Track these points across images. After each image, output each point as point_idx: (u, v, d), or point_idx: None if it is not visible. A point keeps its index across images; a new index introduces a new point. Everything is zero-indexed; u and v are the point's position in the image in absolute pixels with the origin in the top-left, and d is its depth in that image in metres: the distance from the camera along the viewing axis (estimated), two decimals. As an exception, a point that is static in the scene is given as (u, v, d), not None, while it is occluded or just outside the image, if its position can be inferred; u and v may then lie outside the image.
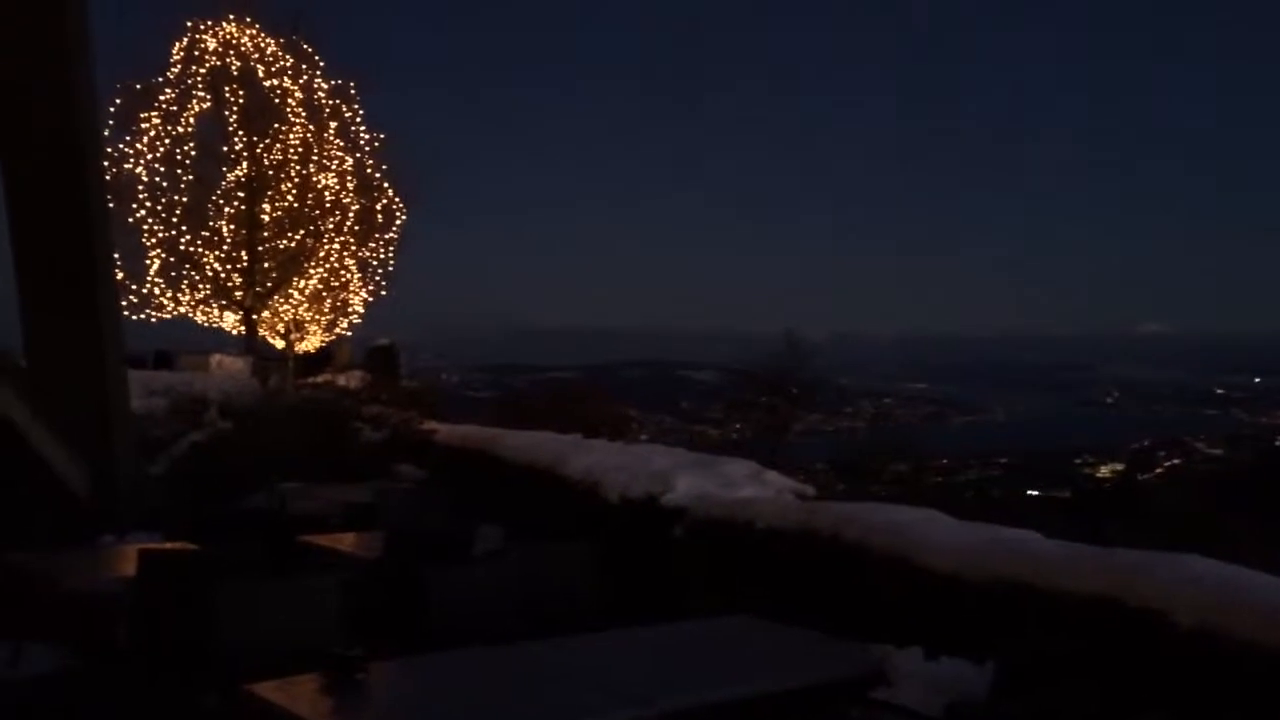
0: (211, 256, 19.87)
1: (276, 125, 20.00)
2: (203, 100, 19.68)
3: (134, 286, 18.95)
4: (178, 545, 6.51)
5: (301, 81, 20.21)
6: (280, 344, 21.30)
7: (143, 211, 19.14)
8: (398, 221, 21.56)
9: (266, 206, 20.09)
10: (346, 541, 6.86)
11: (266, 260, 20.31)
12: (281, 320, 21.12)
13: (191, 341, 20.20)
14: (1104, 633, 4.30)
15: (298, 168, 20.09)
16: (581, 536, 6.06)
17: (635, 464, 8.04)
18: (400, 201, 21.44)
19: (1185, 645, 3.98)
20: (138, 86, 19.14)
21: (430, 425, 12.90)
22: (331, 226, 20.46)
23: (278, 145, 20.01)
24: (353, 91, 20.72)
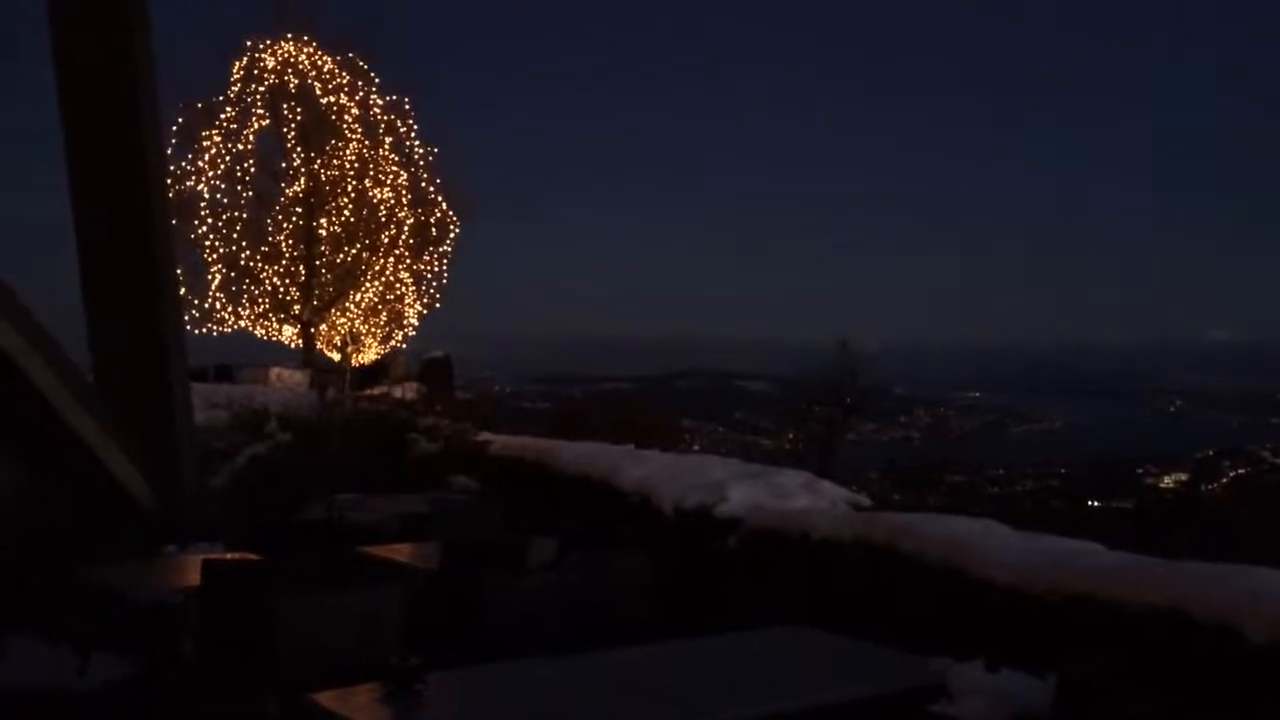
0: (270, 271, 20.24)
1: (333, 141, 20.35)
2: (262, 118, 20.08)
3: (196, 301, 19.37)
4: (240, 556, 6.62)
5: (358, 98, 20.55)
6: (337, 357, 21.62)
7: (204, 228, 19.56)
8: (452, 234, 21.82)
9: (323, 221, 20.43)
10: (402, 552, 6.93)
11: (324, 274, 20.64)
12: (338, 333, 21.44)
13: (251, 355, 20.59)
14: (1170, 647, 4.21)
15: (354, 183, 20.41)
16: (635, 547, 6.07)
17: (689, 475, 8.03)
18: (454, 214, 21.70)
19: (1256, 661, 3.88)
20: (199, 105, 19.59)
21: (484, 436, 12.98)
22: (387, 240, 20.75)
23: (334, 161, 20.34)
24: (407, 107, 21.03)
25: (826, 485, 7.65)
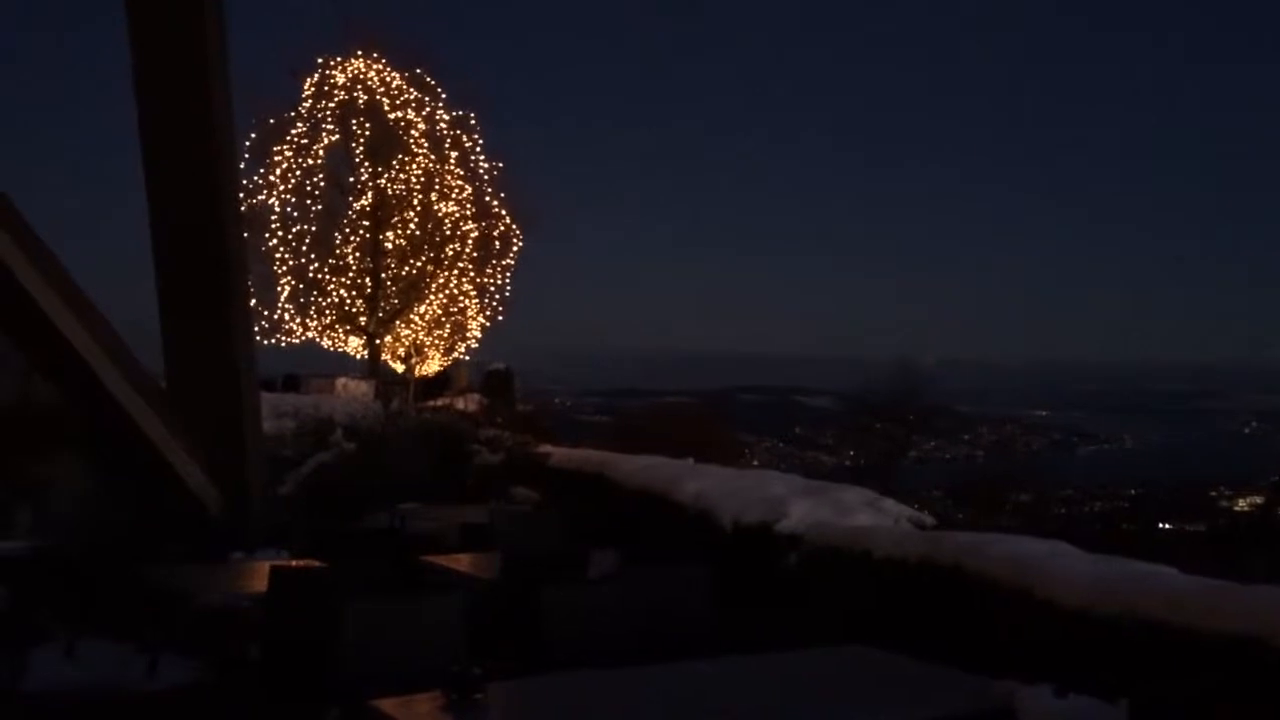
0: (337, 283, 20.57)
1: (400, 156, 20.65)
2: (332, 133, 20.46)
3: (265, 312, 19.74)
4: (305, 562, 6.72)
5: (424, 113, 20.84)
6: (401, 368, 21.90)
7: (274, 240, 19.96)
8: (515, 247, 22.01)
9: (390, 235, 20.73)
10: (463, 562, 6.98)
11: (389, 287, 20.93)
12: (402, 345, 21.72)
13: (318, 365, 20.94)
14: (1246, 675, 4.08)
15: (420, 197, 20.69)
16: (695, 562, 6.05)
17: (749, 490, 7.99)
18: (518, 228, 21.89)
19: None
20: (271, 121, 20.02)
21: (544, 448, 13.06)
22: (451, 253, 20.98)
23: (401, 175, 20.64)
24: (472, 121, 21.29)
25: (889, 503, 7.57)
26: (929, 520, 7.45)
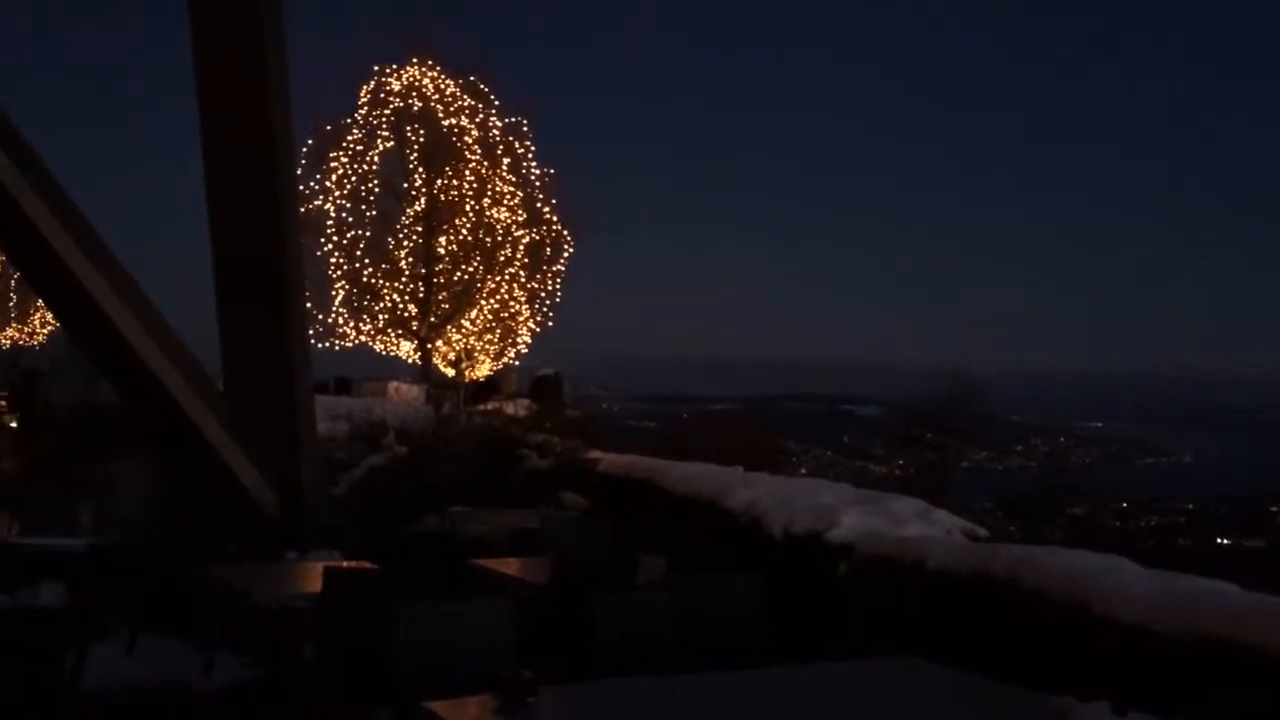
0: (390, 288, 20.81)
1: (453, 162, 20.85)
2: (386, 140, 20.72)
3: (320, 316, 20.04)
4: (358, 564, 6.80)
5: (477, 120, 21.04)
6: (451, 372, 22.09)
7: (329, 245, 20.25)
8: (566, 254, 22.12)
9: (442, 240, 20.94)
10: (513, 566, 7.02)
11: (441, 292, 21.13)
12: (453, 349, 21.91)
13: (370, 369, 21.20)
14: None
15: (472, 203, 20.87)
16: (743, 569, 6.04)
17: (799, 498, 7.94)
18: (568, 234, 22.00)
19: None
20: (328, 128, 20.32)
21: (593, 454, 13.09)
22: (502, 259, 21.14)
23: (454, 181, 20.84)
24: (525, 128, 21.45)
25: (942, 514, 7.48)
26: (982, 532, 7.35)
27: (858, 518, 7.20)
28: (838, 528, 7.12)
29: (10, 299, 35.55)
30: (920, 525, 7.18)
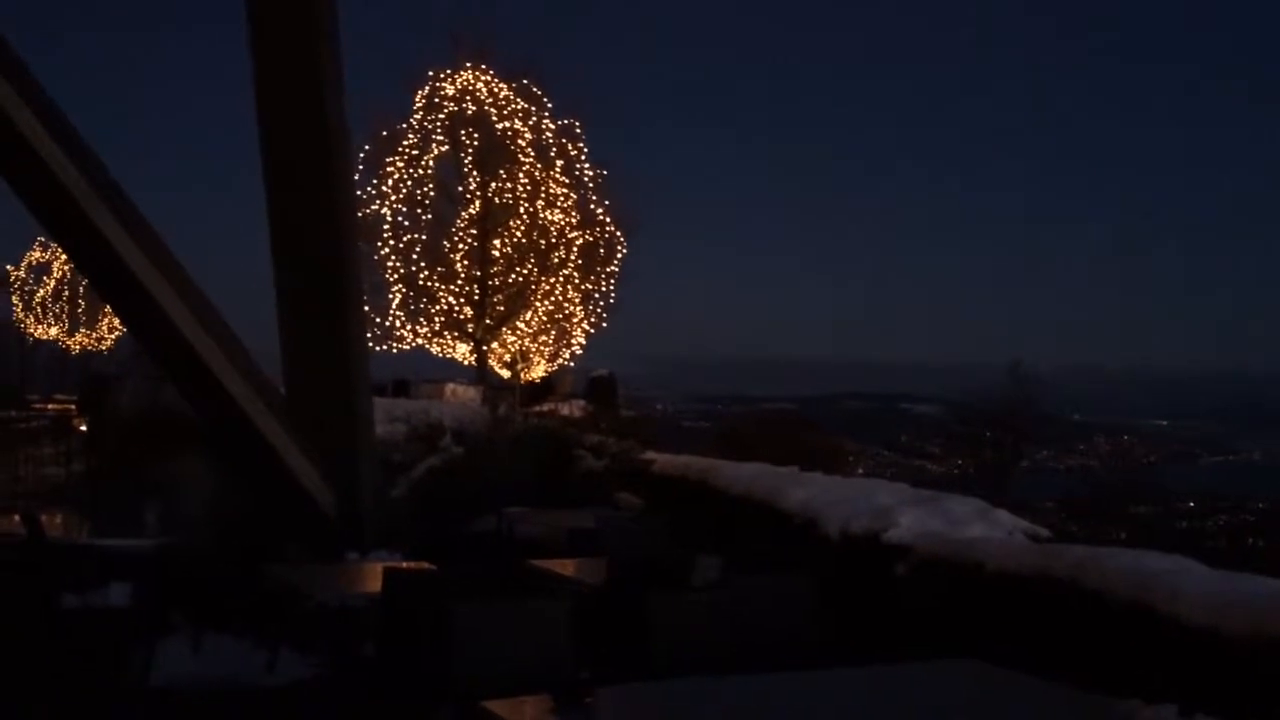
0: (446, 291, 21.00)
1: (507, 165, 20.99)
2: (441, 144, 20.91)
3: (377, 319, 20.25)
4: (417, 564, 6.87)
5: (531, 123, 21.16)
6: (506, 374, 22.23)
7: (386, 249, 20.48)
8: (619, 255, 22.17)
9: (497, 243, 21.08)
10: (569, 567, 7.05)
11: (496, 294, 21.29)
12: (508, 351, 22.05)
13: (427, 371, 21.40)
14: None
15: (526, 205, 21.00)
16: (799, 570, 6.01)
17: (856, 498, 7.89)
18: (621, 235, 22.05)
19: None
20: (384, 133, 20.57)
21: (648, 455, 13.11)
22: (556, 261, 21.24)
23: (508, 184, 20.98)
24: (578, 130, 21.54)
25: (1002, 514, 7.38)
26: (1044, 532, 7.24)
27: (915, 518, 7.13)
28: (895, 528, 7.06)
29: (79, 306, 36.52)
30: (980, 526, 7.09)
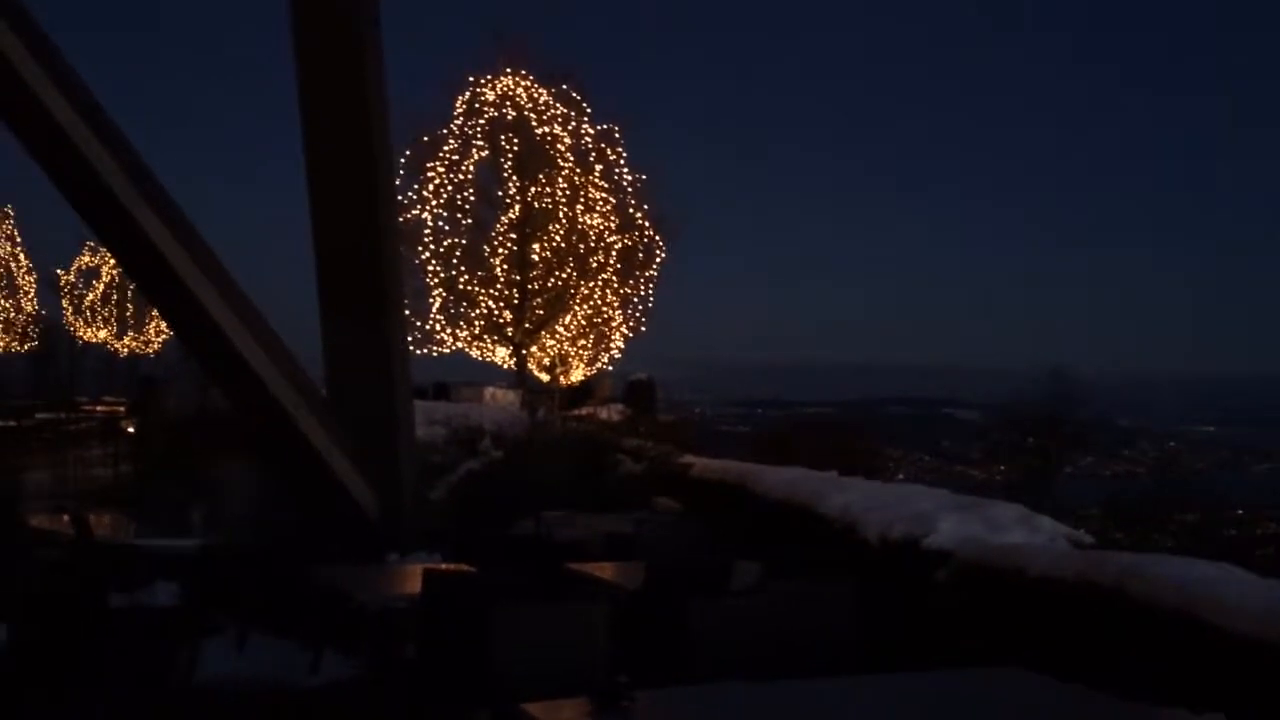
0: (486, 295, 21.14)
1: (546, 170, 21.10)
2: (481, 149, 21.06)
3: (418, 323, 20.45)
4: (457, 567, 6.92)
5: (570, 128, 21.24)
6: (545, 377, 22.33)
7: (427, 254, 20.67)
8: (658, 259, 22.19)
9: (536, 247, 21.20)
10: (608, 570, 7.05)
11: (535, 298, 21.39)
12: (547, 355, 22.15)
13: (467, 374, 21.55)
14: None
15: (565, 210, 21.09)
16: (838, 575, 5.97)
17: (895, 504, 7.83)
18: (660, 239, 22.07)
19: None
20: (425, 139, 20.75)
21: (686, 459, 13.10)
22: (595, 265, 21.30)
23: (547, 189, 21.08)
24: (616, 135, 21.60)
25: (1044, 520, 7.30)
26: (1087, 539, 7.15)
27: (956, 524, 7.07)
28: (935, 534, 7.00)
29: (127, 309, 37.19)
30: (1022, 532, 7.01)
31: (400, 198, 19.60)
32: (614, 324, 22.21)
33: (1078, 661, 4.97)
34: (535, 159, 21.13)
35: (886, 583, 6.93)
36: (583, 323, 21.84)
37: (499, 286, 21.20)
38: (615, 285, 21.75)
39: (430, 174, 20.68)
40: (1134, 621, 5.15)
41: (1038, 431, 23.67)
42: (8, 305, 35.40)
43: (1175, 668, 4.85)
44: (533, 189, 21.11)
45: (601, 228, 21.29)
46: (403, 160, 20.13)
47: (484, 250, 21.23)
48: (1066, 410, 23.48)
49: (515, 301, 21.27)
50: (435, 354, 21.11)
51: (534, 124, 21.07)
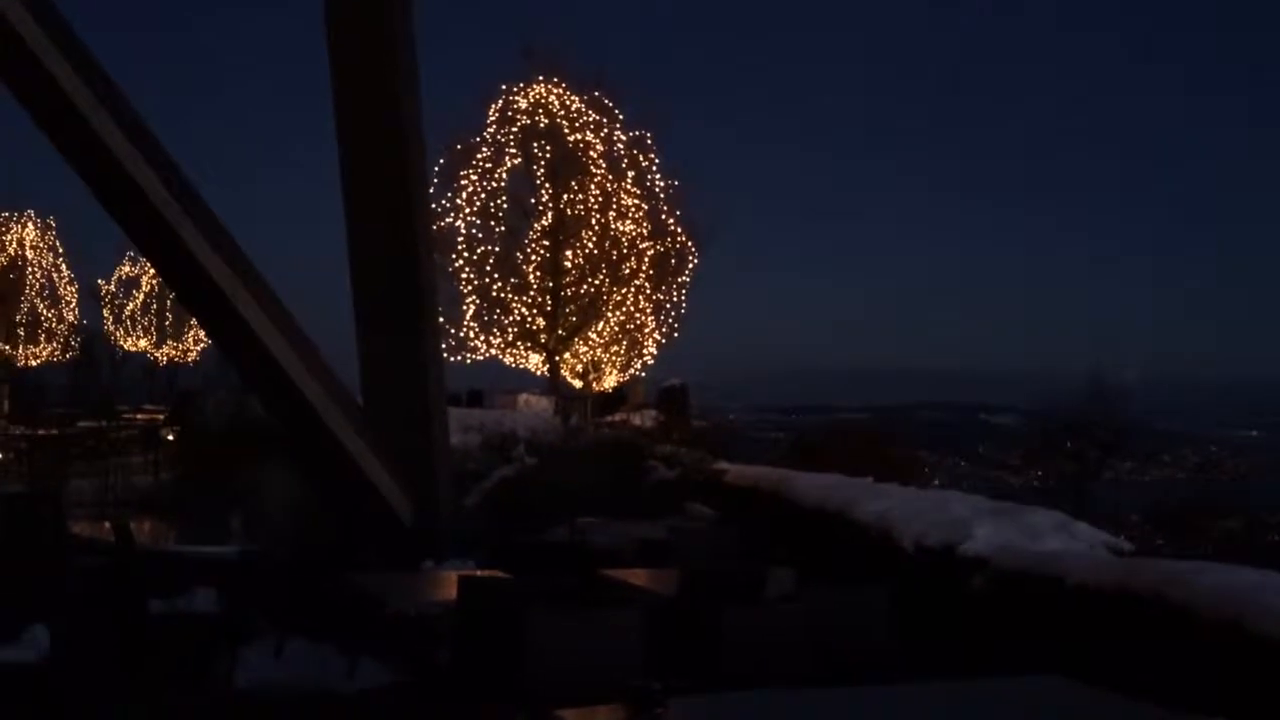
0: (519, 302, 21.22)
1: (579, 177, 21.16)
2: (514, 157, 21.16)
3: (452, 330, 20.55)
4: (491, 573, 6.95)
5: (602, 134, 21.31)
6: (578, 384, 22.37)
7: (460, 261, 20.78)
8: (690, 264, 22.19)
9: (569, 254, 21.26)
10: (642, 577, 7.05)
11: (568, 305, 21.45)
12: (581, 361, 22.19)
13: (500, 381, 21.63)
14: None
15: (598, 216, 21.14)
16: (873, 582, 5.94)
17: (931, 510, 7.78)
18: (693, 245, 22.06)
19: None
20: (459, 147, 20.89)
21: (720, 465, 13.07)
22: (628, 271, 21.33)
23: (580, 196, 21.15)
24: (649, 141, 21.64)
25: (1083, 527, 7.23)
26: (1126, 546, 7.07)
27: (992, 530, 7.01)
28: (972, 540, 6.95)
29: (166, 318, 37.71)
30: (1059, 539, 6.95)
31: (434, 206, 19.72)
32: (647, 330, 22.22)
33: (1118, 669, 4.91)
34: (568, 166, 21.20)
35: (922, 589, 6.88)
36: (615, 329, 21.86)
37: (532, 293, 21.27)
38: (648, 291, 21.76)
39: (464, 182, 20.81)
40: (1175, 629, 5.09)
41: (1076, 437, 23.42)
42: (50, 315, 35.96)
43: (1216, 676, 4.78)
44: (565, 196, 21.18)
45: (634, 234, 21.32)
46: (436, 168, 20.27)
47: (517, 257, 21.31)
48: (1105, 415, 23.23)
49: (548, 308, 21.34)
50: (469, 361, 21.22)
51: (566, 131, 21.14)
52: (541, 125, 21.15)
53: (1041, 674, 4.51)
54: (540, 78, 21.19)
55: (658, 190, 21.73)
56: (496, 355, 21.54)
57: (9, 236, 35.14)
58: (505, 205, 21.15)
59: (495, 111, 21.16)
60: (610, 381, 22.69)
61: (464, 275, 20.83)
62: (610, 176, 21.26)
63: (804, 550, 8.41)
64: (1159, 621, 5.18)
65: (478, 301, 21.06)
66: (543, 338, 21.46)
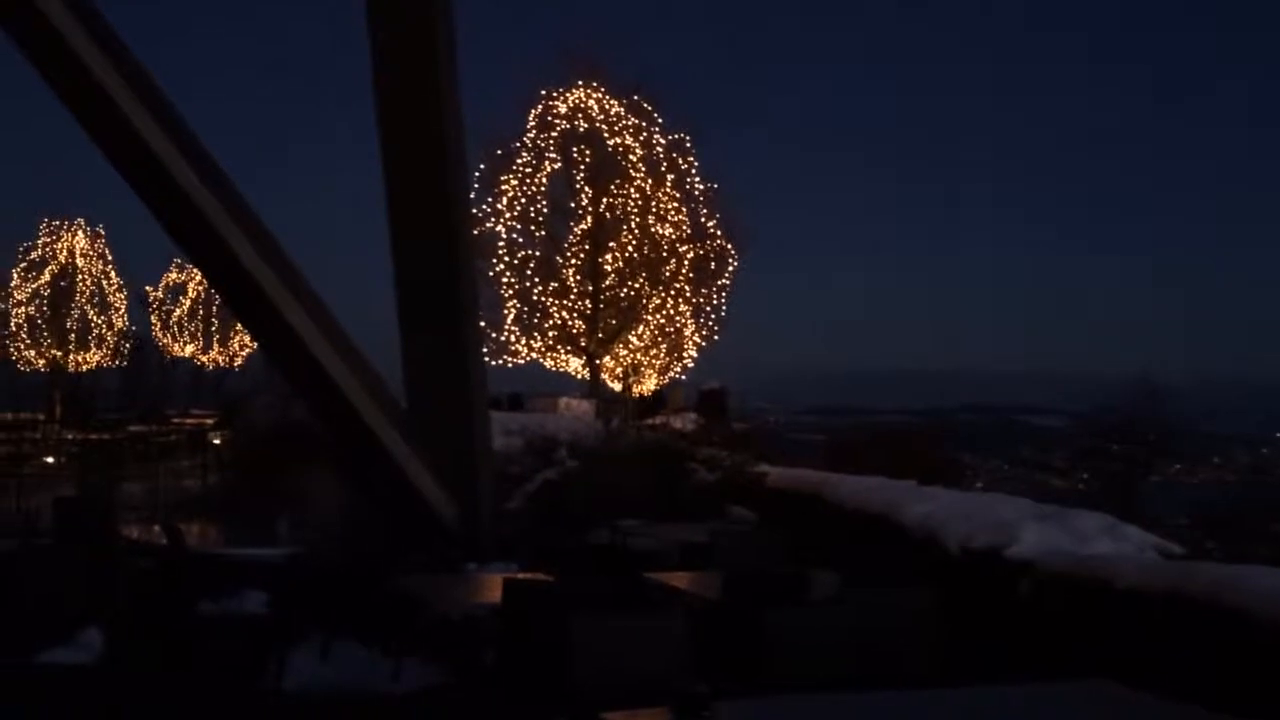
0: (559, 306, 21.31)
1: (618, 180, 21.21)
2: (554, 161, 21.26)
3: (493, 334, 20.67)
4: (535, 575, 6.98)
5: (641, 138, 21.34)
6: (618, 387, 22.41)
7: (501, 265, 20.91)
8: (730, 267, 22.16)
9: (608, 257, 21.31)
10: (684, 580, 7.06)
11: (608, 308, 21.50)
12: (621, 365, 22.23)
13: (541, 385, 21.72)
14: None
15: (637, 220, 21.17)
16: (920, 586, 5.90)
17: (976, 513, 7.70)
18: (732, 248, 22.04)
19: None
20: (499, 152, 21.02)
21: (761, 468, 13.04)
22: (667, 274, 21.34)
23: (619, 199, 21.19)
24: (688, 144, 21.64)
25: (1131, 530, 7.12)
26: (1176, 550, 6.95)
27: (1039, 534, 6.93)
28: (1018, 544, 6.87)
29: (213, 324, 38.29)
30: (1107, 542, 6.85)
31: (475, 211, 19.86)
32: (686, 333, 22.21)
33: (1168, 674, 4.84)
34: (607, 170, 21.26)
35: (968, 593, 6.82)
36: (655, 332, 21.88)
37: (572, 297, 21.34)
38: (687, 294, 21.76)
39: (504, 187, 20.93)
40: (1227, 634, 5.00)
41: (1123, 438, 23.11)
42: (100, 321, 36.64)
43: (1270, 681, 4.70)
44: (605, 200, 21.24)
45: (673, 237, 21.33)
46: (477, 174, 20.41)
47: (557, 261, 21.40)
48: (1153, 417, 22.89)
49: (588, 312, 21.40)
50: (510, 365, 21.33)
51: (606, 135, 21.20)
52: (581, 130, 21.23)
53: (1090, 678, 4.45)
54: (580, 82, 21.27)
55: (697, 193, 21.74)
56: (537, 359, 21.64)
57: (60, 245, 35.85)
58: (545, 209, 21.25)
59: (535, 116, 21.28)
60: (650, 384, 22.71)
61: (505, 279, 20.95)
62: (649, 180, 21.29)
63: (847, 553, 8.37)
64: (1212, 625, 5.10)
65: (518, 305, 21.17)
66: (583, 341, 21.52)
